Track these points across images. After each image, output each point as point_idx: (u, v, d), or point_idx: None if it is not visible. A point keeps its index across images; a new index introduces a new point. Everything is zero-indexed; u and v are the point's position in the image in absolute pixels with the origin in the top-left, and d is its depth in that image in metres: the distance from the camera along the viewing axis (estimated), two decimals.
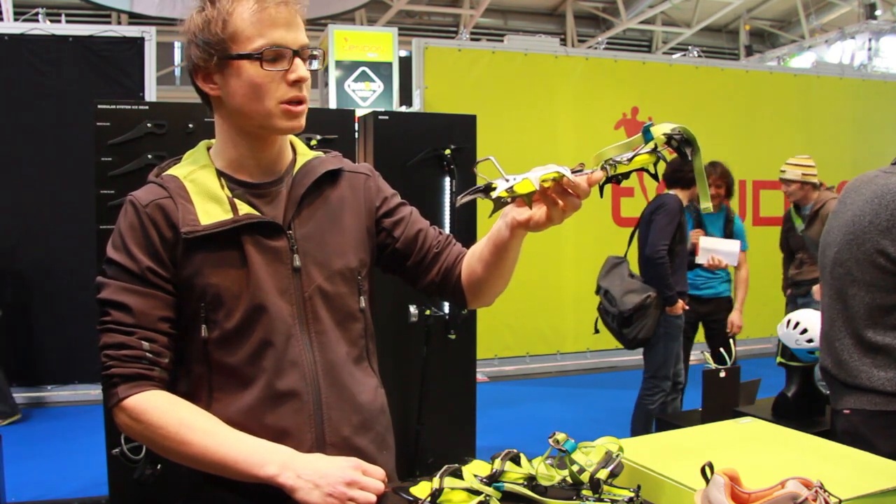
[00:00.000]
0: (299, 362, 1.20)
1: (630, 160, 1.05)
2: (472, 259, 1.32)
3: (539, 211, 1.11)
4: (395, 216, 1.34)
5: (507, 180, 1.04)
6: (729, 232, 4.36)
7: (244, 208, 1.19)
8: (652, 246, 3.75)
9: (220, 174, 1.21)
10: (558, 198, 1.09)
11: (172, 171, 1.23)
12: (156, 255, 1.16)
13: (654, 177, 1.11)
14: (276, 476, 1.07)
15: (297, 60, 1.16)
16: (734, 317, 4.33)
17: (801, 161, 4.38)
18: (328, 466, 1.08)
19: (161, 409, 1.12)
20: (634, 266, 3.96)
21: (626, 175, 1.07)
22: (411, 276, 1.36)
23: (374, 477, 1.10)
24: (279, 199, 1.23)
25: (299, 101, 1.17)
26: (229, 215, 1.17)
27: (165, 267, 1.16)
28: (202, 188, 1.19)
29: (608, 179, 1.08)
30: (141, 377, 1.13)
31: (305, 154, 1.30)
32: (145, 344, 1.14)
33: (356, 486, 1.06)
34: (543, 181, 1.05)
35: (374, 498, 1.07)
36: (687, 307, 3.94)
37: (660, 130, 1.05)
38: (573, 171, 1.07)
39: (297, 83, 1.16)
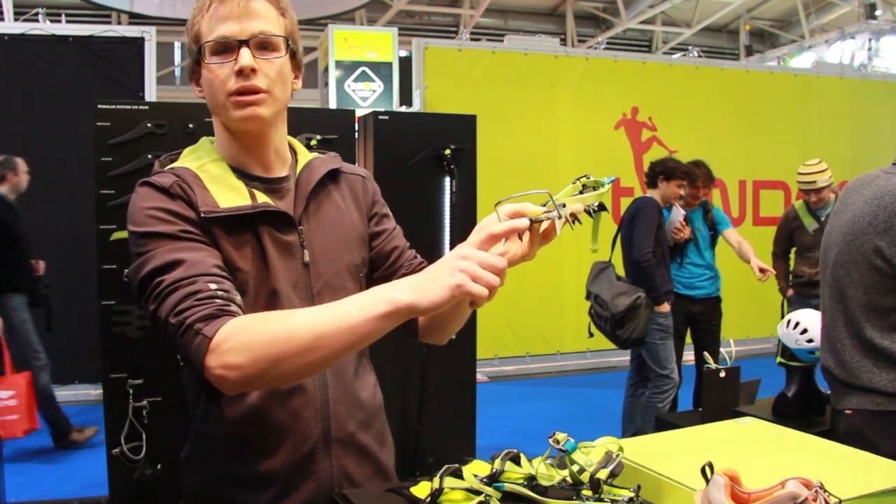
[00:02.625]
0: None
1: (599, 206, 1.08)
2: None
3: (516, 247, 1.07)
4: (378, 226, 1.35)
5: (560, 214, 1.04)
6: (710, 221, 4.47)
7: (262, 197, 1.18)
8: (638, 250, 3.88)
9: (230, 167, 1.21)
10: (549, 232, 1.07)
11: (181, 163, 1.21)
12: (189, 220, 1.11)
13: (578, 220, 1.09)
14: (399, 299, 0.93)
15: (243, 50, 1.13)
16: (758, 264, 4.27)
17: (819, 167, 4.37)
18: (443, 262, 0.95)
19: (247, 320, 1.00)
20: (619, 269, 4.02)
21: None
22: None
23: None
24: (288, 196, 1.23)
25: (248, 91, 1.15)
26: (248, 202, 1.16)
27: (200, 229, 1.11)
28: (217, 178, 1.18)
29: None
30: (222, 313, 1.00)
31: (306, 155, 1.30)
32: (212, 286, 1.03)
33: (473, 259, 0.93)
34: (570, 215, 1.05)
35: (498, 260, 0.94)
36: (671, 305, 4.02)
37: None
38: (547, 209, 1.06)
39: (242, 73, 1.14)
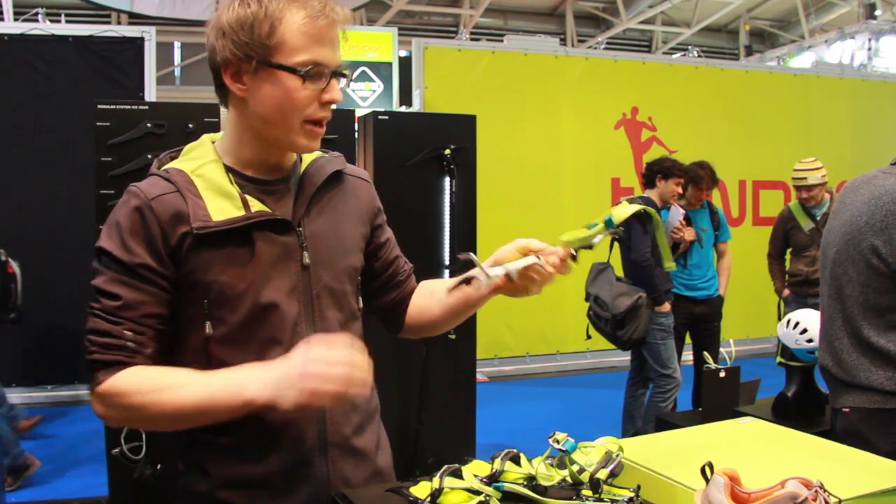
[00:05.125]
0: None
1: (594, 245, 1.25)
2: (427, 299, 1.37)
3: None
4: (382, 236, 1.37)
5: (488, 275, 1.18)
6: (716, 222, 4.47)
7: (256, 205, 1.17)
8: (637, 251, 3.88)
9: (228, 170, 1.19)
10: (535, 276, 1.20)
11: (177, 164, 1.19)
12: (155, 252, 1.12)
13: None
14: (255, 399, 1.03)
15: (334, 81, 1.14)
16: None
17: (813, 164, 4.38)
18: (294, 363, 1.04)
19: (131, 384, 1.09)
20: (618, 270, 4.02)
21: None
22: (367, 293, 1.36)
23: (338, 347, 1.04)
24: (287, 196, 1.22)
25: (324, 122, 1.17)
26: (241, 212, 1.15)
27: (164, 265, 1.13)
28: (211, 184, 1.16)
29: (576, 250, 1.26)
30: (120, 363, 1.10)
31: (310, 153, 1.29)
32: (128, 334, 1.11)
33: (319, 362, 1.02)
34: (517, 272, 1.20)
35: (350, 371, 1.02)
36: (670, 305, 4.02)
37: (621, 216, 1.24)
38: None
39: (328, 104, 1.15)
